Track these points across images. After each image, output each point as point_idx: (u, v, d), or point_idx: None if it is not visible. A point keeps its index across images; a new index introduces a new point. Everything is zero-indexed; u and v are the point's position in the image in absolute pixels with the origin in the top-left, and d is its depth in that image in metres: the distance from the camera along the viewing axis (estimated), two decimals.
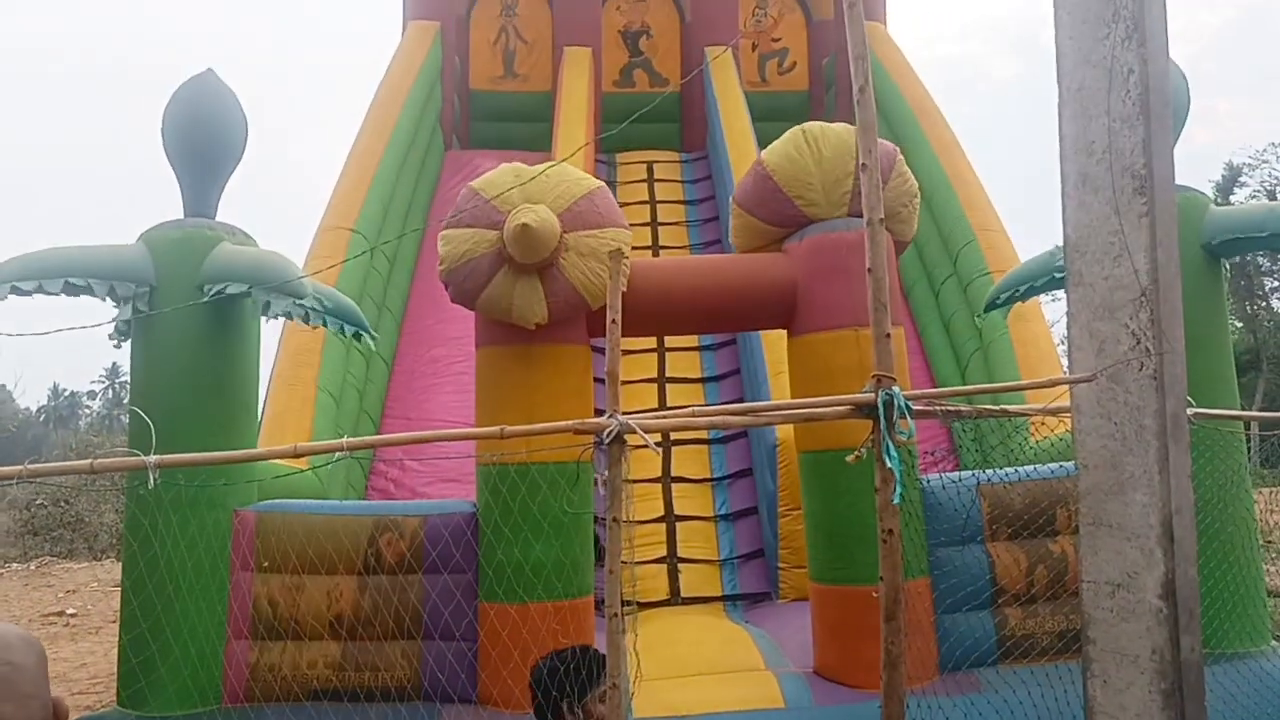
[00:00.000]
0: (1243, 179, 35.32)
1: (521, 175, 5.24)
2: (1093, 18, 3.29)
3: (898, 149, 5.59)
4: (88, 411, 65.76)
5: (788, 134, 5.56)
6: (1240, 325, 31.67)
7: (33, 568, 16.47)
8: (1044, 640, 5.11)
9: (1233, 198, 34.18)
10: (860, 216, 5.13)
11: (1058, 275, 5.74)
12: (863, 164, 3.45)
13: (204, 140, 5.57)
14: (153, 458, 3.23)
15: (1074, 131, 3.38)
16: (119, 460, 3.38)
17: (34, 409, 62.68)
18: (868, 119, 3.44)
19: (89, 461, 3.32)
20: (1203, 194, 5.81)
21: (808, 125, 5.54)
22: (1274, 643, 5.45)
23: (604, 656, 3.36)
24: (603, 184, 5.56)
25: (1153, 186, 3.20)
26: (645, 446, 3.32)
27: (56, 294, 5.08)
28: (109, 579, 14.13)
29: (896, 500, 3.10)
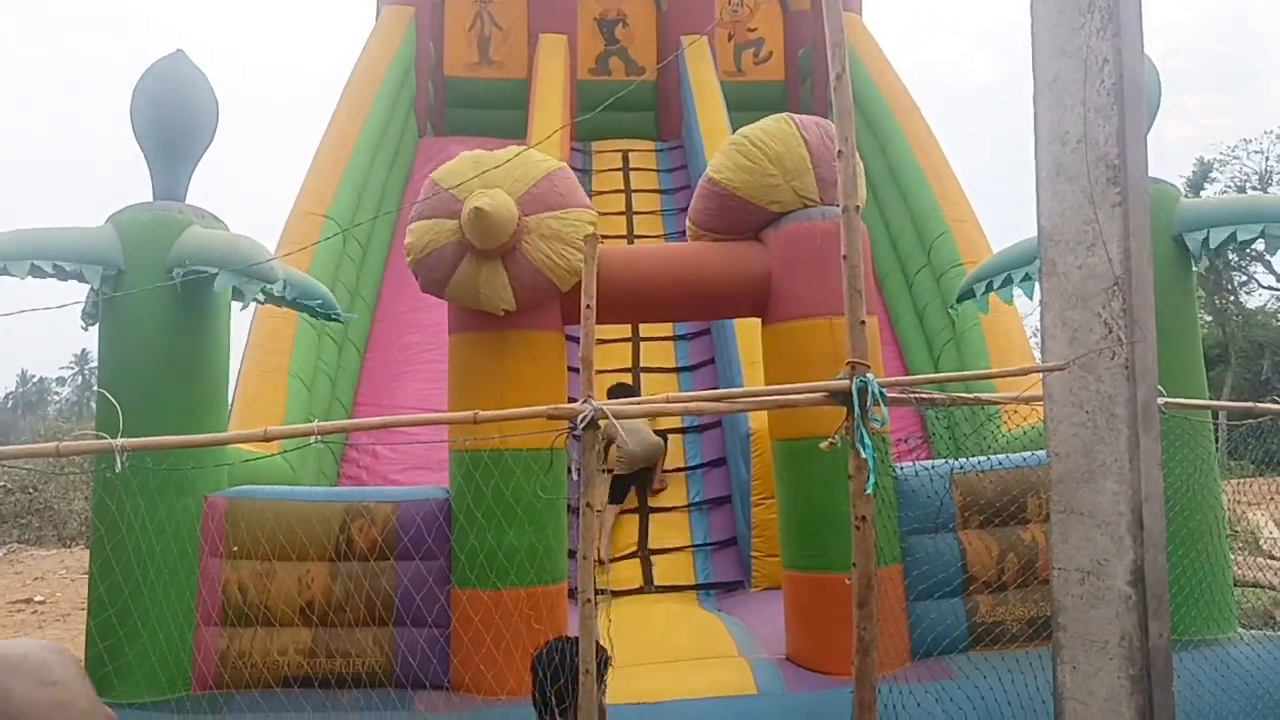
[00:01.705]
0: (1213, 174, 35.69)
1: (481, 163, 5.21)
2: (1069, 8, 3.30)
3: (830, 123, 5.60)
4: (56, 398, 65.07)
5: (727, 147, 5.50)
6: (1210, 319, 32.03)
7: (0, 554, 16.28)
8: (1014, 627, 5.16)
9: (1203, 193, 34.52)
10: (832, 205, 5.16)
11: (1030, 273, 5.77)
12: (839, 150, 3.45)
13: (173, 122, 5.50)
14: (120, 441, 3.19)
15: (1049, 121, 3.39)
16: (86, 444, 3.34)
17: (2, 395, 61.97)
18: (844, 105, 3.44)
19: (54, 444, 3.28)
20: (1173, 186, 5.86)
21: (743, 131, 5.48)
22: (1240, 630, 5.52)
23: (602, 648, 3.41)
24: (563, 164, 5.53)
25: (1126, 176, 3.22)
26: (613, 428, 3.31)
27: (22, 278, 5.01)
28: (78, 566, 13.98)
29: (870, 489, 3.10)
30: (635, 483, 8.00)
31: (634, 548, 7.70)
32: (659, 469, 8.16)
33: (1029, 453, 5.49)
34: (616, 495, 7.81)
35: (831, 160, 4.90)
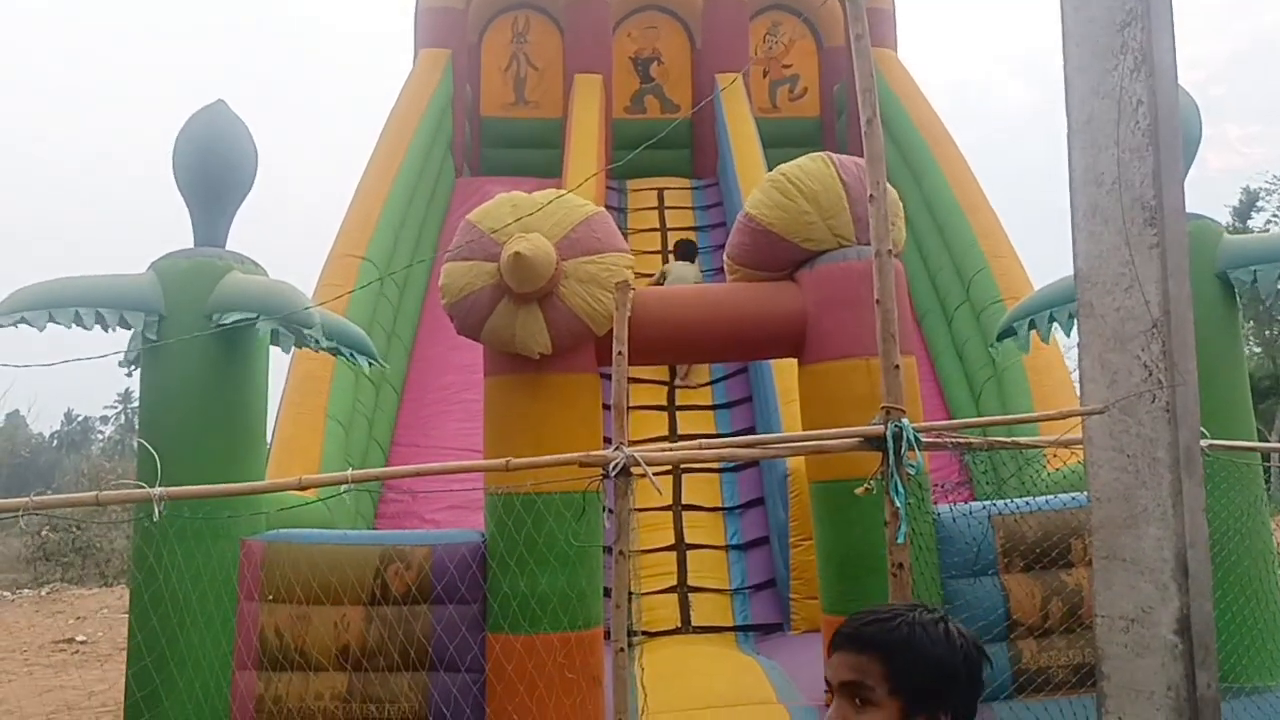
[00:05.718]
0: (1260, 204, 35.17)
1: (519, 206, 5.24)
2: (1101, 49, 3.27)
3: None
4: (100, 436, 65.97)
5: (765, 184, 5.50)
6: (1260, 351, 31.42)
7: (44, 594, 16.49)
8: (1059, 674, 5.04)
9: (1250, 222, 34.02)
10: (867, 244, 5.14)
11: (1071, 311, 5.69)
12: (870, 195, 3.44)
13: (214, 170, 5.60)
14: (158, 490, 3.23)
15: (1084, 162, 3.36)
16: (125, 493, 3.38)
17: (47, 434, 62.91)
18: (875, 150, 3.44)
19: (94, 494, 3.32)
20: (1215, 221, 5.77)
21: (781, 169, 5.48)
22: None
23: None
24: (601, 209, 5.55)
25: (1163, 217, 3.17)
26: (647, 477, 3.29)
27: (67, 325, 5.11)
28: (119, 605, 14.12)
29: (901, 539, 3.06)
30: None
31: (673, 582, 7.64)
32: None
33: (1072, 494, 5.39)
34: None
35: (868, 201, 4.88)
